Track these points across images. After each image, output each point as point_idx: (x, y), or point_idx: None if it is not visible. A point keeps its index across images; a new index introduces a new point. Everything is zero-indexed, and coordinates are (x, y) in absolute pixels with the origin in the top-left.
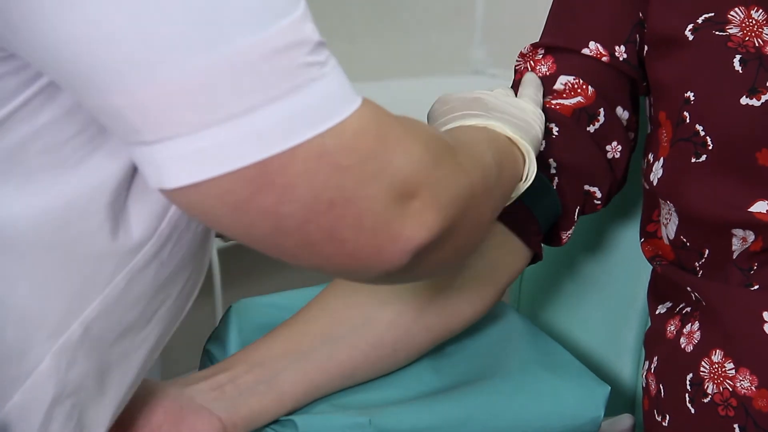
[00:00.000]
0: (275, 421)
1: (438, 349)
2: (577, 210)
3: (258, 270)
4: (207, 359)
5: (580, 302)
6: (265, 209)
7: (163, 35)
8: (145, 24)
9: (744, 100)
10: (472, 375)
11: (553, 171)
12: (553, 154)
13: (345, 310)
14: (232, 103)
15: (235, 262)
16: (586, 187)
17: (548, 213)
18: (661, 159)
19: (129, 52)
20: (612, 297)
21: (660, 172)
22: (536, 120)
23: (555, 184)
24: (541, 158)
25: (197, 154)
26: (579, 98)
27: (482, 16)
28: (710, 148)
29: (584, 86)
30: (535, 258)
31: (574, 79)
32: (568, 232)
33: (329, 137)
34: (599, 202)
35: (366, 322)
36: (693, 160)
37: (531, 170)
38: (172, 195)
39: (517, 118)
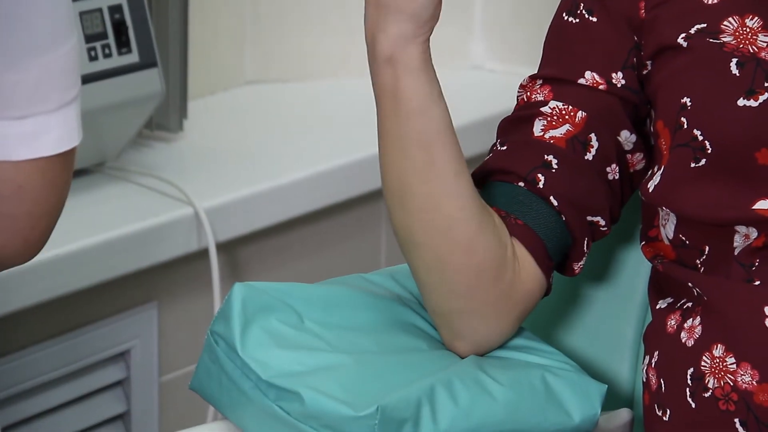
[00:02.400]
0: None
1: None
2: (586, 241)
3: (257, 267)
4: (213, 341)
5: (575, 300)
6: (60, 187)
7: (58, 16)
8: (47, 6)
9: (741, 102)
10: (467, 376)
11: (556, 207)
12: (554, 190)
13: None
14: (77, 84)
15: (233, 258)
16: (589, 218)
17: (558, 244)
18: (662, 167)
19: (27, 33)
20: (608, 294)
21: (657, 180)
22: None
23: (562, 217)
24: (543, 195)
25: (49, 132)
26: (567, 126)
27: (481, 11)
28: (709, 151)
29: (572, 112)
30: (546, 290)
31: (562, 105)
32: (580, 263)
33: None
34: (605, 228)
35: None
36: (692, 165)
37: None
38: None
39: None
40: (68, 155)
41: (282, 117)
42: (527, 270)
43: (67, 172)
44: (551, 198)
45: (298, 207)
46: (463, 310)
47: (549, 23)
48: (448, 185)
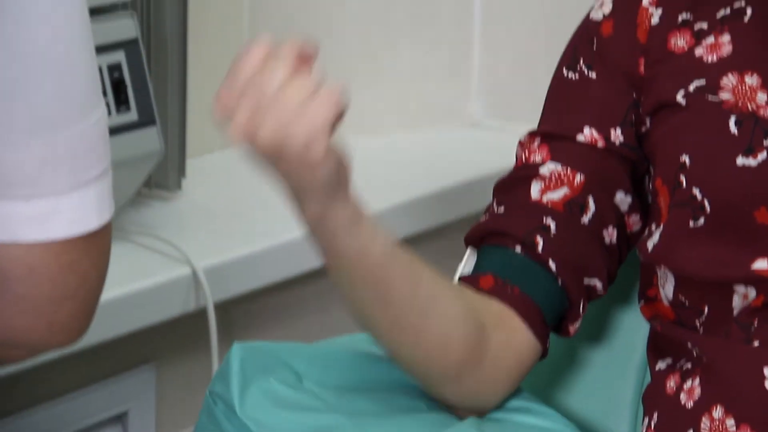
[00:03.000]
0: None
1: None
2: (582, 303)
3: (255, 326)
4: (211, 401)
5: (574, 361)
6: (82, 273)
7: (64, 98)
8: (51, 88)
9: (740, 161)
10: None
11: (554, 271)
12: (553, 253)
13: None
14: (98, 165)
15: (231, 317)
16: (586, 280)
17: (555, 308)
18: (661, 226)
19: (32, 113)
20: (607, 355)
21: (656, 239)
22: None
23: (559, 281)
24: (542, 259)
25: (60, 214)
26: (565, 189)
27: (479, 69)
28: (708, 210)
29: (571, 175)
30: (542, 355)
31: (561, 167)
32: (576, 324)
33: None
34: (601, 291)
35: None
36: (691, 224)
37: None
38: (8, 252)
39: None
40: (90, 238)
41: None
42: (521, 338)
43: (89, 256)
44: (549, 262)
45: (297, 266)
46: (455, 391)
47: (547, 81)
48: (405, 316)
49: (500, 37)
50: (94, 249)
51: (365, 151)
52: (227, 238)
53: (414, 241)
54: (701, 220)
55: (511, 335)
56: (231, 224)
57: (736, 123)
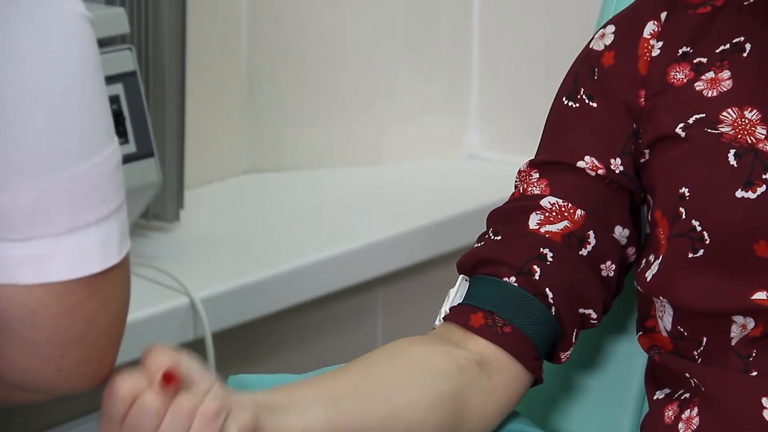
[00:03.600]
0: None
1: None
2: (575, 332)
3: (253, 356)
4: None
5: (572, 389)
6: (87, 316)
7: (59, 141)
8: (46, 129)
9: (739, 194)
10: None
11: (550, 300)
12: (550, 282)
13: None
14: (97, 209)
15: (228, 347)
16: (581, 310)
17: (547, 339)
18: (660, 257)
19: (24, 154)
20: (605, 384)
21: (655, 269)
22: None
23: (553, 311)
24: (538, 287)
25: (59, 256)
26: (566, 222)
27: (477, 100)
28: (707, 242)
29: (572, 210)
30: (536, 381)
31: (562, 201)
32: (567, 353)
33: (122, 264)
34: (595, 321)
35: None
36: (690, 255)
37: None
38: (9, 292)
39: None
40: (94, 280)
41: (279, 206)
42: (511, 375)
43: (95, 298)
44: (546, 290)
45: (294, 296)
46: None
47: (545, 113)
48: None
49: (499, 68)
50: (101, 292)
51: (362, 181)
52: (225, 268)
53: (411, 272)
54: (701, 252)
55: (497, 377)
56: (229, 255)
57: (735, 156)
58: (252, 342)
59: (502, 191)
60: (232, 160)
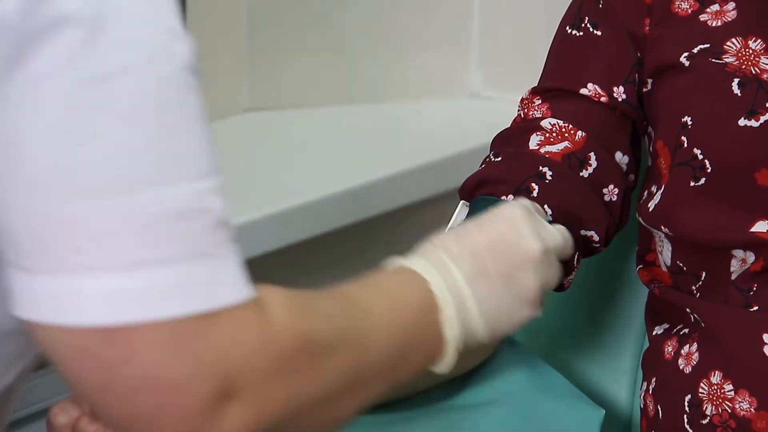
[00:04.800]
0: None
1: None
2: (576, 255)
3: None
4: None
5: (574, 325)
6: (104, 366)
7: (76, 169)
8: (63, 152)
9: (742, 122)
10: (466, 400)
11: (549, 218)
12: (548, 200)
13: None
14: (121, 254)
15: None
16: (583, 232)
17: None
18: (663, 187)
19: (38, 176)
20: (607, 319)
21: (657, 199)
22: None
23: None
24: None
25: (69, 296)
26: (566, 143)
27: (478, 39)
28: (708, 171)
29: (572, 131)
30: None
31: (563, 123)
32: (570, 278)
33: (197, 319)
34: (598, 245)
35: None
36: (692, 183)
37: (445, 362)
38: (32, 326)
39: (492, 324)
40: (111, 330)
41: (280, 144)
42: None
43: (114, 350)
44: (545, 207)
45: (296, 234)
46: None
47: (547, 51)
48: None
49: (500, 6)
50: (121, 344)
51: (364, 120)
52: (228, 206)
53: (413, 210)
54: (702, 180)
55: None
56: (231, 193)
57: (739, 85)
58: (253, 280)
59: None
60: (233, 98)
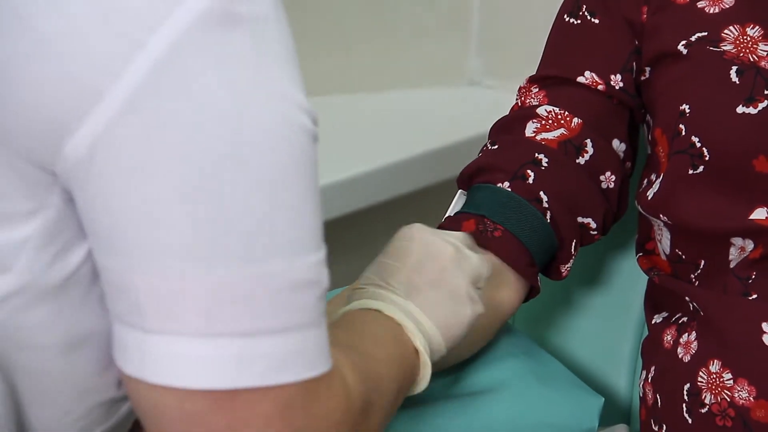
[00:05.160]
0: None
1: None
2: (573, 243)
3: None
4: None
5: (573, 313)
6: (214, 431)
7: (207, 237)
8: (196, 221)
9: (740, 109)
10: (466, 388)
11: (545, 205)
12: (544, 186)
13: None
14: (242, 323)
15: None
16: (580, 219)
17: (543, 247)
18: (662, 175)
19: (169, 241)
20: (607, 307)
21: (656, 188)
22: (463, 310)
23: (548, 217)
24: (532, 191)
25: (185, 359)
26: (562, 130)
27: (478, 27)
28: (707, 158)
29: (568, 118)
30: (533, 290)
31: (559, 110)
32: (567, 265)
33: (301, 390)
34: (595, 233)
35: None
36: (690, 171)
37: (422, 383)
38: (137, 384)
39: (444, 327)
40: (221, 396)
41: None
42: (505, 283)
43: (221, 416)
44: (540, 193)
45: None
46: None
47: (545, 39)
48: None
49: None
50: (229, 411)
51: (362, 108)
52: None
53: (411, 199)
54: (700, 169)
55: (490, 286)
56: None
57: (737, 72)
58: None
59: None
60: None
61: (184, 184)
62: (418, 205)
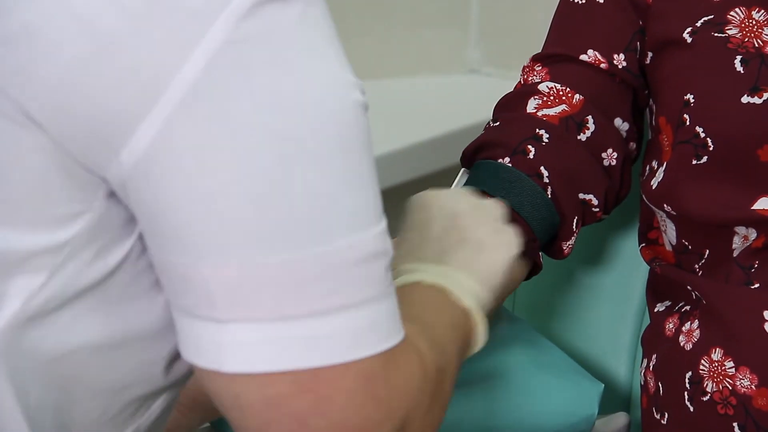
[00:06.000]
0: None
1: None
2: (575, 219)
3: None
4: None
5: (574, 301)
6: (295, 414)
7: (274, 222)
8: (262, 207)
9: (745, 99)
10: (466, 375)
11: (546, 180)
12: (545, 161)
13: None
14: (315, 301)
15: None
16: (581, 195)
17: (544, 222)
18: (665, 164)
19: (237, 230)
20: (607, 296)
21: (660, 177)
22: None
23: (549, 192)
24: (533, 167)
25: (263, 344)
26: (563, 106)
27: (477, 15)
28: (711, 149)
29: (569, 94)
30: (535, 267)
31: (560, 86)
32: (569, 243)
33: (380, 361)
34: (597, 210)
35: None
36: (694, 162)
37: (480, 341)
38: (214, 377)
39: (482, 279)
40: (302, 376)
41: None
42: None
43: (305, 398)
44: (541, 169)
45: None
46: None
47: (547, 26)
48: None
49: None
50: (312, 391)
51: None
52: None
53: (412, 187)
54: (704, 159)
55: None
56: None
57: (741, 62)
58: None
59: None
60: None
61: (247, 174)
62: (419, 192)
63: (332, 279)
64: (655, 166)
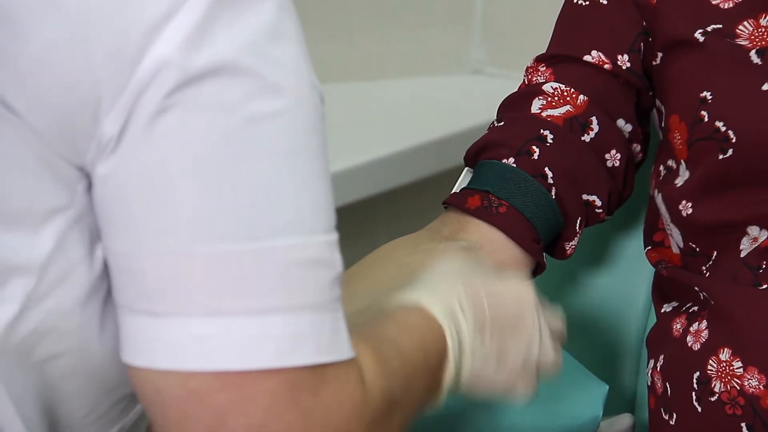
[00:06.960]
0: None
1: None
2: (579, 220)
3: None
4: None
5: (578, 302)
6: (216, 410)
7: (216, 210)
8: (205, 194)
9: (766, 86)
10: None
11: (550, 181)
12: (549, 162)
13: None
14: (251, 299)
15: None
16: (585, 196)
17: (548, 223)
18: (682, 162)
19: (177, 215)
20: (611, 296)
21: (687, 174)
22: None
23: (553, 193)
24: (537, 167)
25: (191, 340)
26: (568, 107)
27: (481, 15)
28: (733, 141)
29: (574, 94)
30: (539, 267)
31: (564, 87)
32: (572, 243)
33: (313, 373)
34: (601, 211)
35: None
36: (720, 156)
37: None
38: (144, 375)
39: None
40: (227, 375)
41: None
42: (508, 257)
43: (226, 395)
44: (545, 170)
45: None
46: None
47: (551, 27)
48: None
49: None
50: (234, 390)
51: (365, 97)
52: None
53: (414, 189)
54: (729, 152)
55: (492, 260)
56: None
57: (757, 53)
58: None
59: None
60: None
61: (194, 158)
62: (421, 194)
63: (269, 278)
64: (674, 165)
